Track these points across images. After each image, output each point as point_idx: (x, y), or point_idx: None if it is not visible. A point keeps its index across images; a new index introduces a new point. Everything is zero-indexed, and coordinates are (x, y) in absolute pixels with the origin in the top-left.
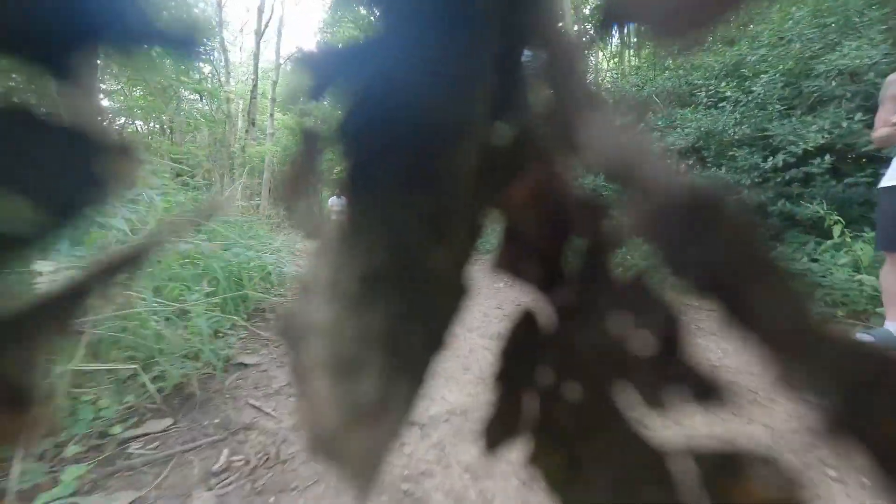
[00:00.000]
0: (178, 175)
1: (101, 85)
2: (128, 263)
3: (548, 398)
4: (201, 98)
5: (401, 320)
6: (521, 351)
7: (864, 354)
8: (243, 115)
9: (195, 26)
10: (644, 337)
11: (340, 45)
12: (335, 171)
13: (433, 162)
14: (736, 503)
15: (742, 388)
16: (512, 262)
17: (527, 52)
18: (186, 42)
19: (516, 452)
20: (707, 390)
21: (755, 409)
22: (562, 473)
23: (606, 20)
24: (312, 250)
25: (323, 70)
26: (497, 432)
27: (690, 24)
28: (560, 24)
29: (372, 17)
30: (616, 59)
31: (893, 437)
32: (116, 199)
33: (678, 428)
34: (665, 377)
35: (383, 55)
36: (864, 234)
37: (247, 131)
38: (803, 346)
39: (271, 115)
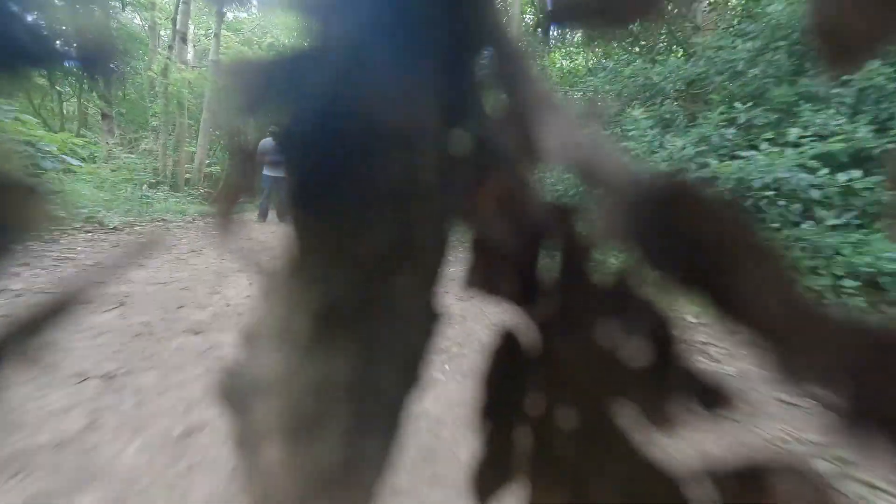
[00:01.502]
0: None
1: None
2: (50, 317)
3: (541, 429)
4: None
5: (366, 360)
6: (506, 378)
7: (865, 332)
8: (170, 27)
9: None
10: (636, 345)
11: (274, 56)
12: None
13: (388, 176)
14: None
15: (748, 391)
16: (484, 278)
17: (478, 57)
18: (95, 61)
19: (512, 499)
20: (712, 396)
21: (766, 412)
22: None
23: (552, 21)
24: (257, 290)
25: (256, 84)
26: (489, 478)
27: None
28: (508, 28)
29: (305, 24)
30: (567, 60)
31: None
32: (27, 243)
33: (688, 443)
34: (665, 387)
35: (323, 65)
36: None
37: (170, 47)
38: (798, 331)
39: (216, 34)
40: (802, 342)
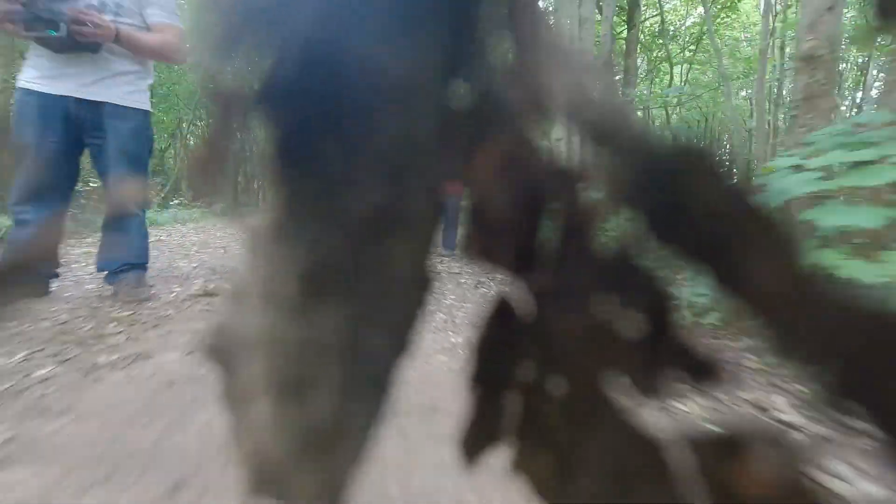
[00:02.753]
0: None
1: None
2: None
3: (531, 395)
4: None
5: (353, 323)
6: (499, 346)
7: (865, 312)
8: None
9: None
10: (632, 317)
11: None
12: (260, 144)
13: (382, 131)
14: (738, 489)
15: (738, 365)
16: (482, 245)
17: (483, 0)
18: None
19: (499, 458)
20: (702, 370)
21: (752, 384)
22: (550, 477)
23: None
24: (242, 248)
25: (238, 17)
26: (476, 439)
27: None
28: None
29: None
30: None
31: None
32: None
33: (673, 414)
34: (657, 360)
35: (310, 4)
36: None
37: None
38: (798, 307)
39: None
40: (799, 319)
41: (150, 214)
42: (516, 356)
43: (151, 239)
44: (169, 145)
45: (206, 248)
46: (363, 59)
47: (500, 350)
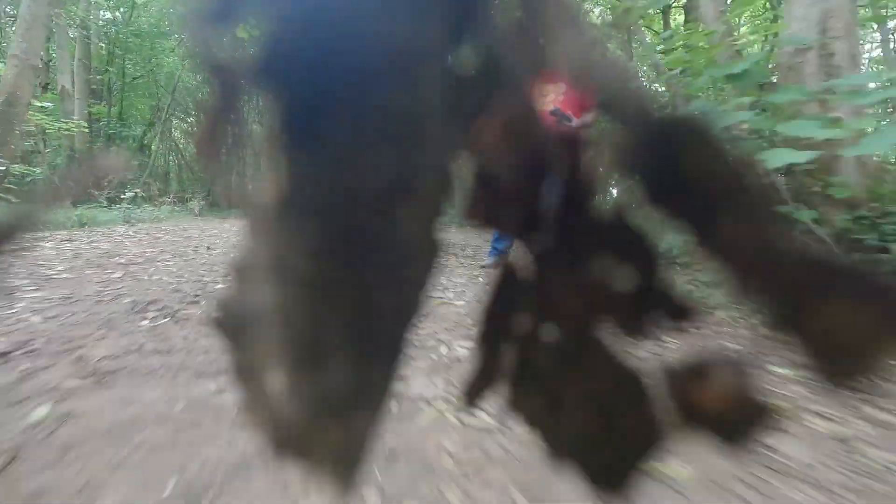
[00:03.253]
0: None
1: None
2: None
3: (526, 344)
4: None
5: (365, 293)
6: (504, 309)
7: (815, 263)
8: None
9: None
10: (622, 273)
11: None
12: (263, 119)
13: (387, 99)
14: (701, 406)
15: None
16: (485, 209)
17: None
18: None
19: (495, 400)
20: (680, 312)
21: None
22: (541, 412)
23: None
24: (248, 224)
25: None
26: (477, 387)
27: None
28: None
29: None
30: None
31: (826, 332)
32: None
33: (655, 350)
34: (642, 306)
35: None
36: None
37: None
38: (764, 262)
39: None
40: (759, 266)
41: (84, 212)
42: (517, 312)
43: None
44: (145, 134)
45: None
46: (366, 26)
47: (504, 313)
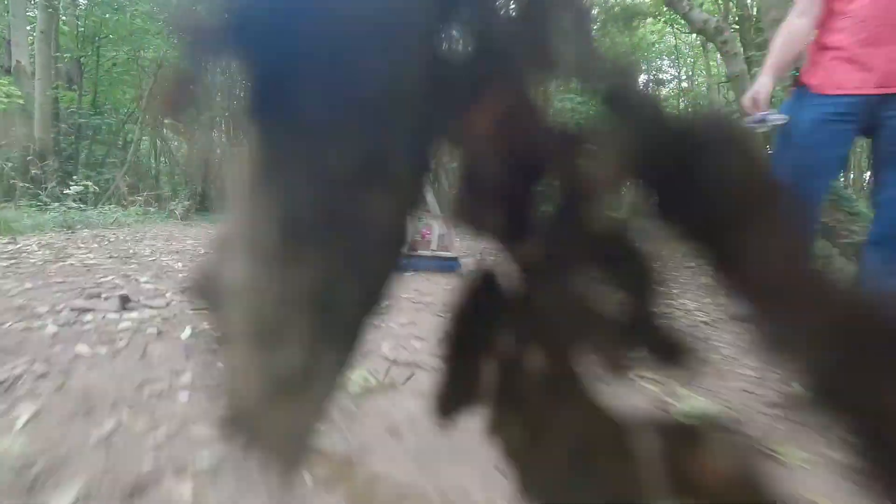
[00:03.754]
0: None
1: None
2: None
3: (508, 365)
4: None
5: (329, 277)
6: (478, 314)
7: (863, 314)
8: None
9: None
10: (614, 296)
11: None
12: (234, 88)
13: (369, 78)
14: (695, 476)
15: (711, 354)
16: (471, 210)
17: None
18: None
19: (474, 421)
20: (673, 355)
21: (723, 374)
22: (521, 444)
23: None
24: (229, 196)
25: None
26: (450, 399)
27: None
28: None
29: None
30: None
31: (885, 410)
32: None
33: (640, 393)
34: (632, 340)
35: None
36: None
37: None
38: (797, 301)
39: None
40: (795, 313)
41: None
42: (495, 326)
43: None
44: (123, 125)
45: None
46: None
47: (478, 319)
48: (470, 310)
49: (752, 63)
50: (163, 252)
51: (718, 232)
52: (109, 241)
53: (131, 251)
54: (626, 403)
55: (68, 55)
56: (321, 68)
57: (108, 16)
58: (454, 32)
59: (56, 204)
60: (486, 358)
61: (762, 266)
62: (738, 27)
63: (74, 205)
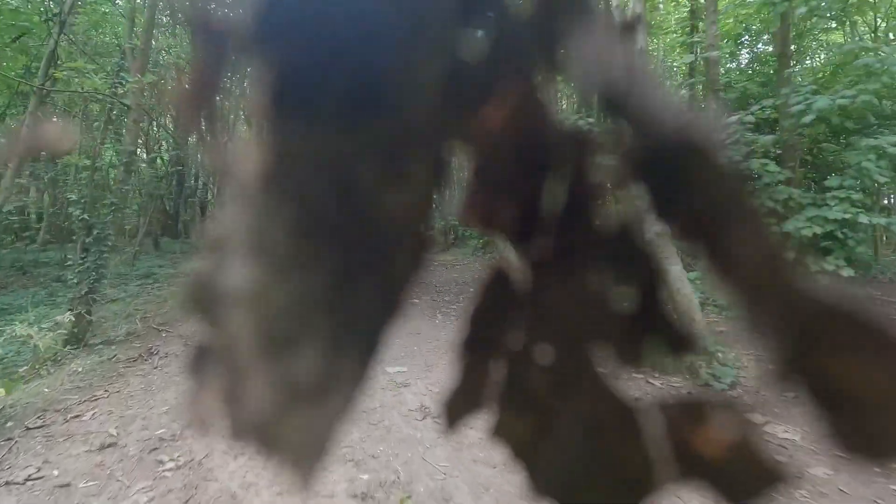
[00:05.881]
0: None
1: None
2: None
3: (517, 364)
4: None
5: (345, 281)
6: (492, 315)
7: (819, 303)
8: None
9: None
10: (622, 291)
11: None
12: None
13: (385, 78)
14: (698, 448)
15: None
16: (482, 209)
17: None
18: None
19: (479, 424)
20: (680, 342)
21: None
22: (527, 441)
23: None
24: (229, 196)
25: None
26: (459, 406)
27: None
28: None
29: None
30: None
31: (833, 381)
32: None
33: (651, 380)
34: (641, 331)
35: None
36: None
37: None
38: (771, 291)
39: None
40: (769, 300)
41: None
42: (507, 325)
43: None
44: (8, 105)
45: None
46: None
47: (492, 320)
48: (486, 310)
49: None
50: None
51: (707, 233)
52: None
53: None
54: (635, 390)
55: None
56: (339, 69)
57: None
58: (471, 37)
59: None
60: (499, 356)
61: (741, 260)
62: None
63: None
